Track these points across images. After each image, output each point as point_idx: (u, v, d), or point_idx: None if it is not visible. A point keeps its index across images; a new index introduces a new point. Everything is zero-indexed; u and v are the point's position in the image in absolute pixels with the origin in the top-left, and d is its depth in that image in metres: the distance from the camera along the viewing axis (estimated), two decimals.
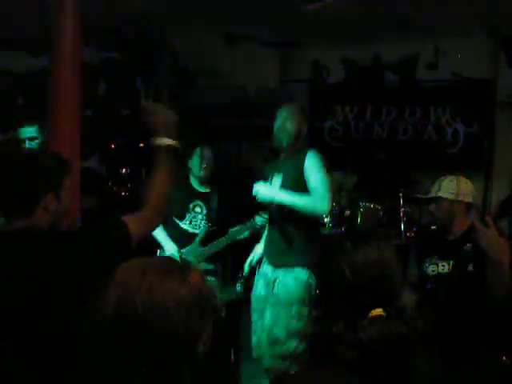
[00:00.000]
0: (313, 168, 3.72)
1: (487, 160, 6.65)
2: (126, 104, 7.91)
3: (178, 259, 4.31)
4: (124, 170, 7.24)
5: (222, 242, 4.48)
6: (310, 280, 3.71)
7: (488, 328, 3.05)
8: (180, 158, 4.81)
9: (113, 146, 7.40)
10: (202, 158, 4.61)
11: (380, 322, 1.54)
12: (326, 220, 5.81)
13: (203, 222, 4.58)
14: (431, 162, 6.81)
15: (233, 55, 7.34)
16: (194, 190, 4.68)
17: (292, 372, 3.53)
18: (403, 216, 5.64)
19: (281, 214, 3.81)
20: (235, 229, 4.46)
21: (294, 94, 7.83)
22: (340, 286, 1.67)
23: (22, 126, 4.48)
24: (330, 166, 7.40)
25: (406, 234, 5.54)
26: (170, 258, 1.51)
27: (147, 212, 2.18)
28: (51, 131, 2.32)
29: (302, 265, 3.73)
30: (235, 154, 8.14)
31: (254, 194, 3.76)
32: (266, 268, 3.93)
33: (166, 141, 2.26)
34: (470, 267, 3.30)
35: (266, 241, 4.10)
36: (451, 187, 3.51)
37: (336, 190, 6.80)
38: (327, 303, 1.77)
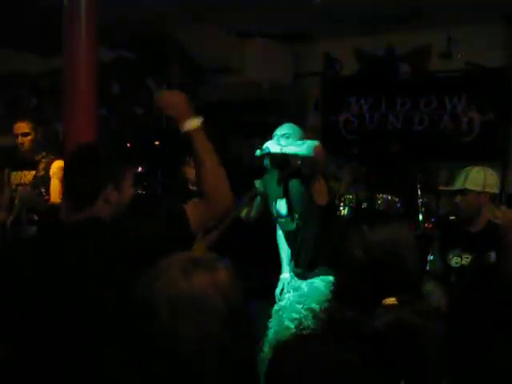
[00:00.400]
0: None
1: (503, 148, 6.60)
2: (139, 103, 7.94)
3: None
4: (140, 169, 7.27)
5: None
6: None
7: (504, 319, 3.05)
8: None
9: (128, 145, 7.42)
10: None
11: (394, 311, 1.49)
12: (343, 212, 5.80)
13: None
14: (447, 151, 6.77)
15: (245, 51, 7.33)
16: (188, 190, 4.78)
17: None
18: (421, 206, 5.62)
19: (299, 224, 3.66)
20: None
21: (308, 88, 7.82)
22: (353, 269, 1.63)
23: (15, 122, 4.57)
24: (346, 158, 7.47)
25: (424, 225, 5.52)
26: (195, 256, 1.48)
27: (206, 202, 2.11)
28: (66, 131, 2.33)
29: (329, 274, 3.59)
30: (248, 150, 8.14)
31: (263, 150, 3.59)
32: (295, 281, 3.79)
33: (191, 122, 2.17)
34: (493, 257, 3.30)
35: (290, 254, 3.92)
36: (478, 178, 3.46)
37: (353, 183, 6.79)
38: (341, 286, 1.72)
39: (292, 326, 3.57)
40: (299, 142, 3.51)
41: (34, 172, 4.58)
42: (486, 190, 3.44)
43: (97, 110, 2.39)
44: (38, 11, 5.23)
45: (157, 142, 7.44)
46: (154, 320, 1.22)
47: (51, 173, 4.55)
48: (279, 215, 3.73)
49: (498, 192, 3.54)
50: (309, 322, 3.47)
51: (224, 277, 1.32)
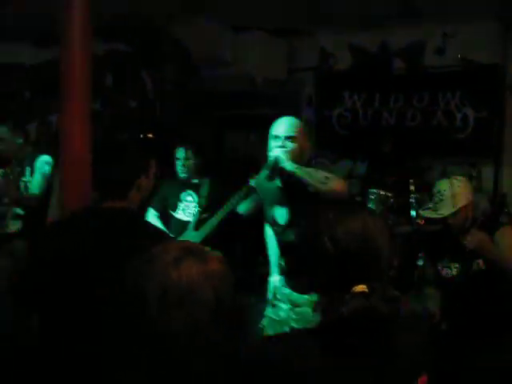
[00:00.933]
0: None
1: (497, 145, 6.62)
2: (133, 95, 7.92)
3: None
4: None
5: (218, 215, 4.52)
6: None
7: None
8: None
9: (150, 136, 7.39)
10: (178, 159, 4.75)
11: (361, 298, 1.47)
12: None
13: (196, 209, 4.69)
14: (441, 147, 6.79)
15: (239, 44, 7.31)
16: (183, 181, 4.80)
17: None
18: (414, 203, 5.62)
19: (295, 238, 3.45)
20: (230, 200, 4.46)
21: (302, 83, 7.81)
22: (321, 259, 1.59)
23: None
24: (339, 153, 7.47)
25: (417, 221, 5.52)
26: (190, 244, 1.48)
27: None
28: (62, 124, 2.32)
29: None
30: (242, 143, 8.14)
31: (272, 159, 3.34)
32: (290, 292, 3.60)
33: None
34: (481, 264, 3.35)
35: (285, 264, 3.72)
36: (463, 193, 3.49)
37: (346, 178, 6.80)
38: (311, 277, 1.71)
39: None
40: (321, 177, 3.23)
41: (18, 168, 4.58)
42: (471, 199, 3.50)
43: (91, 102, 2.38)
44: (32, 2, 5.20)
45: (150, 135, 7.42)
46: (143, 307, 1.22)
47: (36, 167, 4.54)
48: (276, 223, 3.57)
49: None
50: None
51: (215, 267, 1.32)
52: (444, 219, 3.55)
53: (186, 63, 7.74)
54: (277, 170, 3.33)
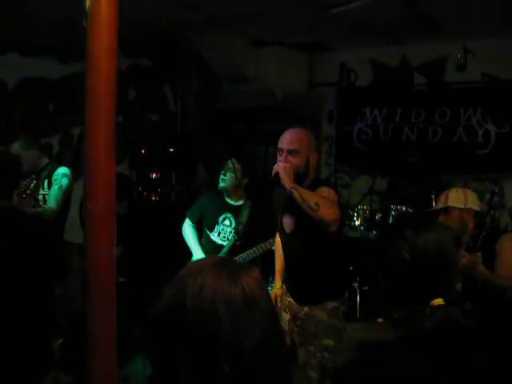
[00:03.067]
0: (323, 192, 3.26)
1: None
2: (154, 110, 7.98)
3: None
4: (154, 175, 7.30)
5: (249, 254, 4.59)
6: (340, 312, 3.44)
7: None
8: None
9: (143, 152, 7.46)
10: (224, 169, 4.70)
11: (443, 311, 1.54)
12: (357, 223, 5.79)
13: (232, 234, 4.68)
14: (462, 163, 6.74)
15: (261, 59, 7.35)
16: (225, 202, 4.76)
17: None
18: (435, 219, 5.59)
19: (304, 247, 3.40)
20: (263, 244, 4.55)
21: (322, 97, 7.83)
22: (400, 272, 1.67)
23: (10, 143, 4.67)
24: (360, 169, 7.46)
25: None
26: (226, 259, 1.50)
27: None
28: (87, 138, 2.34)
29: (332, 298, 3.41)
30: (262, 159, 8.16)
31: (273, 175, 3.24)
32: (290, 302, 3.56)
33: None
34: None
35: (286, 273, 3.70)
36: (459, 196, 3.56)
37: (367, 194, 6.78)
38: (387, 290, 1.75)
39: (314, 374, 3.33)
40: (312, 203, 3.08)
41: (35, 181, 4.63)
42: (469, 206, 3.54)
43: (115, 116, 2.40)
44: (57, 16, 5.27)
45: (171, 149, 7.47)
46: (218, 327, 1.23)
47: (53, 179, 4.58)
48: (283, 232, 3.54)
49: (479, 210, 3.65)
50: (327, 361, 3.31)
51: (258, 276, 1.34)
52: (437, 216, 3.62)
53: (207, 78, 7.80)
54: (278, 184, 3.26)
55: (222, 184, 4.67)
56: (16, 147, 4.61)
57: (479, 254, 3.34)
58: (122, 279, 5.96)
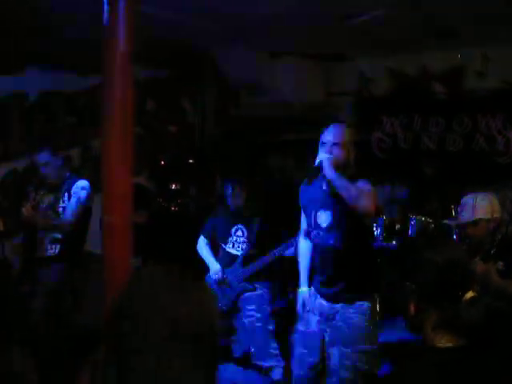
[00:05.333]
0: (362, 185, 3.34)
1: None
2: (174, 121, 8.03)
3: (222, 278, 4.80)
4: (173, 186, 7.34)
5: (263, 260, 4.71)
6: (375, 313, 3.40)
7: None
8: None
9: (162, 163, 7.51)
10: (229, 194, 4.92)
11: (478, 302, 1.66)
12: (376, 232, 5.76)
13: (245, 244, 4.85)
14: (482, 172, 6.68)
15: (277, 69, 7.37)
16: (236, 214, 4.94)
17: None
18: (455, 229, 5.55)
19: (341, 241, 3.39)
20: (278, 248, 4.64)
21: (340, 107, 7.82)
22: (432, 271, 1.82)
23: (38, 151, 4.68)
24: (379, 178, 7.42)
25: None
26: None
27: None
28: (104, 149, 2.37)
29: (364, 297, 3.38)
30: (281, 169, 8.16)
31: (317, 164, 3.32)
32: (321, 303, 3.52)
33: None
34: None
35: (319, 271, 3.64)
36: (485, 206, 3.54)
37: (386, 203, 6.74)
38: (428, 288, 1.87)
39: (347, 374, 3.31)
40: (354, 192, 3.20)
41: (56, 193, 4.66)
42: (495, 215, 3.52)
43: (134, 127, 2.43)
44: (76, 30, 5.33)
45: (190, 160, 7.51)
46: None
47: (72, 192, 4.61)
48: (318, 227, 3.49)
49: (500, 216, 3.64)
50: (364, 365, 3.29)
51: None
52: (464, 229, 3.67)
53: (226, 89, 7.83)
54: (321, 174, 3.34)
55: (232, 207, 4.93)
56: (43, 155, 4.63)
57: (494, 262, 3.33)
58: None
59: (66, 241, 4.58)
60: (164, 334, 1.25)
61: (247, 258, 4.79)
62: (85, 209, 4.62)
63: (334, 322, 3.43)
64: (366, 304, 3.37)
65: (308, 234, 3.68)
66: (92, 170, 6.52)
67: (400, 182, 6.95)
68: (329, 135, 3.46)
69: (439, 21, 5.70)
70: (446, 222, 4.08)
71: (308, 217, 3.60)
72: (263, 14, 5.56)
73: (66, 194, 4.64)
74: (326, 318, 3.47)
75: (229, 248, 4.88)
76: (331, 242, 3.43)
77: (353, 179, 3.37)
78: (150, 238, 6.53)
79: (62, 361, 4.47)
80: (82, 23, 4.80)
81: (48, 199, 4.68)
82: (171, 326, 1.26)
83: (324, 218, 3.47)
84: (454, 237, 5.45)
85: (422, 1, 5.15)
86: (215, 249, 4.98)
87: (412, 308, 4.69)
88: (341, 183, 3.22)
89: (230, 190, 4.90)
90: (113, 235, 2.40)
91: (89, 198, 4.62)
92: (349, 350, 3.32)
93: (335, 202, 3.31)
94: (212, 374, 1.33)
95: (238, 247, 4.86)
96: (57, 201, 4.64)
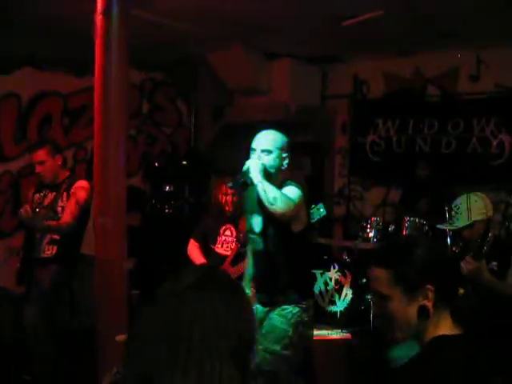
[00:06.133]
0: (287, 190, 3.35)
1: None
2: (168, 123, 8.03)
3: None
4: (167, 188, 7.33)
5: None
6: (299, 319, 3.43)
7: None
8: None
9: (156, 164, 7.50)
10: (222, 193, 4.89)
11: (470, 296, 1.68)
12: (370, 234, 5.77)
13: (234, 244, 4.87)
14: (476, 175, 6.69)
15: (273, 72, 7.38)
16: (223, 214, 4.94)
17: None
18: (449, 231, 5.55)
19: (269, 246, 3.47)
20: None
21: (335, 110, 7.83)
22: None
23: (33, 150, 4.65)
24: (373, 180, 7.44)
25: (452, 249, 5.45)
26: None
27: None
28: (97, 150, 2.37)
29: (292, 302, 3.43)
30: None
31: (245, 168, 3.34)
32: (256, 307, 3.55)
33: None
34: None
35: (253, 274, 3.71)
36: (480, 207, 3.55)
37: (380, 205, 6.75)
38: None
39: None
40: (271, 197, 3.21)
41: (55, 193, 4.63)
42: (488, 215, 3.55)
43: (126, 129, 2.42)
44: (71, 32, 5.33)
45: (184, 162, 7.50)
46: None
47: (71, 192, 4.58)
48: (252, 231, 3.58)
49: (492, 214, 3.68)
50: (266, 363, 3.33)
51: None
52: (460, 232, 3.68)
53: (221, 91, 7.83)
54: (249, 178, 3.33)
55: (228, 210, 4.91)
56: (43, 152, 4.58)
57: (486, 260, 3.35)
58: (135, 292, 5.98)
59: (63, 242, 4.56)
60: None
61: (237, 258, 4.79)
62: (83, 210, 4.59)
63: (263, 326, 3.49)
64: (290, 308, 3.42)
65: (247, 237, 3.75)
66: (85, 171, 6.52)
67: (394, 185, 6.97)
68: (258, 142, 3.48)
69: (434, 24, 5.71)
70: (440, 227, 4.04)
71: (247, 221, 3.67)
72: (259, 16, 5.56)
73: (65, 194, 4.62)
74: (260, 322, 3.51)
75: (218, 249, 4.90)
76: (261, 246, 3.51)
77: (283, 183, 3.41)
78: (144, 240, 6.53)
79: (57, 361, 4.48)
80: (78, 23, 4.79)
81: (47, 199, 4.66)
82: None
83: (256, 223, 3.53)
84: (448, 239, 5.46)
85: (416, 3, 5.17)
86: (206, 250, 4.95)
87: None
88: (261, 187, 3.24)
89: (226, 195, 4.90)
90: (106, 237, 2.40)
91: (88, 199, 4.58)
92: (260, 348, 3.36)
93: (264, 207, 3.32)
94: None
95: (227, 247, 4.88)
96: (56, 201, 4.61)
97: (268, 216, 3.36)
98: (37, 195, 4.72)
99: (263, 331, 3.43)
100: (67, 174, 4.79)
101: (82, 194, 4.54)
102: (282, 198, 3.22)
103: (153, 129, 7.81)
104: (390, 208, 6.61)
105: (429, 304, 1.68)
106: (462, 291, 1.49)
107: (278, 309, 3.44)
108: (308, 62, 7.49)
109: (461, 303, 1.67)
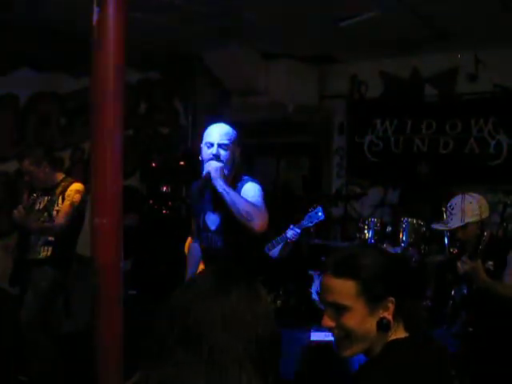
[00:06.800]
0: (250, 191, 3.31)
1: None
2: (165, 123, 8.01)
3: None
4: (165, 189, 7.31)
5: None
6: None
7: None
8: None
9: (153, 165, 7.48)
10: None
11: None
12: (368, 235, 5.76)
13: None
14: (474, 175, 6.70)
15: (271, 72, 7.37)
16: None
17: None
18: (446, 232, 5.54)
19: (227, 243, 3.40)
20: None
21: (333, 110, 7.83)
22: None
23: (23, 159, 4.64)
24: (371, 181, 7.44)
25: (449, 250, 5.44)
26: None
27: None
28: (93, 150, 2.35)
29: None
30: (273, 171, 8.15)
31: (206, 174, 3.25)
32: None
33: None
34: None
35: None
36: (474, 209, 3.53)
37: (378, 206, 6.75)
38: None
39: None
40: (243, 210, 3.15)
41: (49, 196, 4.62)
42: (483, 217, 3.52)
43: (124, 130, 2.41)
44: (68, 32, 5.32)
45: (181, 162, 7.48)
46: None
47: (66, 195, 4.57)
48: (206, 229, 3.48)
49: (488, 215, 3.64)
50: None
51: None
52: (455, 233, 3.65)
53: (218, 91, 7.82)
54: (209, 183, 3.26)
55: None
56: (26, 163, 4.60)
57: (482, 260, 3.35)
58: (132, 292, 5.96)
59: (58, 243, 4.55)
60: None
61: None
62: (78, 211, 4.59)
63: None
64: None
65: (198, 236, 3.64)
66: (82, 172, 6.50)
67: (392, 185, 6.96)
68: (214, 136, 3.34)
69: (432, 24, 5.71)
70: (435, 226, 4.04)
71: (196, 218, 3.58)
72: (257, 15, 5.56)
73: (61, 197, 4.61)
74: None
75: None
76: (219, 244, 3.43)
77: (239, 178, 3.38)
78: (141, 241, 6.51)
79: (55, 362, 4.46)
80: (77, 23, 4.78)
81: (42, 201, 4.65)
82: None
83: (213, 221, 3.45)
84: (445, 239, 5.46)
85: (415, 3, 5.17)
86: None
87: None
88: (229, 199, 3.15)
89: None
90: (102, 238, 2.38)
91: (83, 201, 4.58)
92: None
93: (226, 206, 3.22)
94: None
95: None
96: (51, 203, 4.60)
97: (228, 213, 3.22)
98: (31, 196, 4.71)
99: None
100: (61, 176, 4.77)
101: (76, 197, 4.54)
102: (255, 211, 3.14)
103: (150, 129, 7.79)
104: (388, 208, 6.61)
105: (389, 316, 1.65)
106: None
107: None
108: (305, 62, 7.49)
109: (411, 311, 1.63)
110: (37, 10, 5.19)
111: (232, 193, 3.18)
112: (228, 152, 3.29)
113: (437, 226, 3.85)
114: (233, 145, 3.33)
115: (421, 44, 6.47)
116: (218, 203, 3.30)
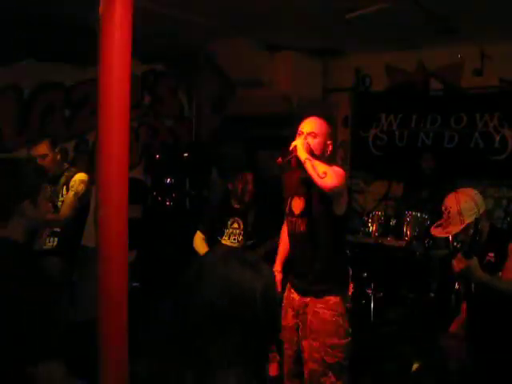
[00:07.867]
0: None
1: None
2: (170, 115, 8.01)
3: None
4: (168, 180, 7.32)
5: (261, 249, 4.69)
6: (344, 307, 3.43)
7: None
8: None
9: (157, 157, 7.48)
10: (243, 184, 4.90)
11: None
12: (371, 229, 5.75)
13: (241, 236, 4.88)
14: (478, 169, 6.68)
15: (275, 65, 7.35)
16: (231, 207, 4.94)
17: None
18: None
19: (311, 228, 3.45)
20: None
21: (337, 103, 7.81)
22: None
23: (34, 144, 4.61)
24: (375, 174, 7.43)
25: (453, 244, 5.44)
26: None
27: None
28: (99, 142, 2.34)
29: (334, 292, 3.42)
30: (276, 164, 8.13)
31: (292, 146, 3.40)
32: (293, 297, 3.58)
33: None
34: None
35: (292, 260, 3.71)
36: (471, 208, 3.48)
37: (382, 200, 6.74)
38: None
39: (315, 366, 3.39)
40: (321, 172, 3.23)
41: (55, 186, 4.61)
42: (481, 212, 3.49)
43: (129, 121, 2.40)
44: (73, 23, 5.30)
45: (185, 154, 7.49)
46: None
47: (70, 185, 4.57)
48: (291, 213, 3.57)
49: (485, 208, 3.60)
50: (331, 356, 3.34)
51: None
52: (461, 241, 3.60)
53: (222, 83, 7.81)
54: (294, 157, 3.37)
55: (243, 198, 4.92)
56: (44, 146, 4.56)
57: (475, 258, 3.32)
58: (135, 284, 5.97)
59: (64, 234, 4.56)
60: None
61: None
62: (83, 202, 4.59)
63: (304, 315, 3.47)
64: (333, 300, 3.41)
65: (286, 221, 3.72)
66: (86, 163, 6.50)
67: (396, 179, 6.95)
68: (305, 125, 3.57)
69: (438, 17, 5.67)
70: (435, 233, 3.95)
71: (285, 203, 3.66)
72: (262, 7, 5.53)
73: (65, 188, 4.61)
74: (297, 314, 3.52)
75: (225, 240, 4.88)
76: (302, 229, 3.50)
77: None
78: (145, 233, 6.51)
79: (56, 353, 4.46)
80: (80, 14, 4.77)
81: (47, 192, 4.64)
82: None
83: (298, 205, 3.54)
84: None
85: None
86: (213, 242, 4.88)
87: None
88: (309, 164, 3.28)
89: (227, 184, 4.94)
90: (108, 229, 2.38)
91: (87, 192, 4.59)
92: (317, 344, 3.37)
93: (309, 189, 3.39)
94: None
95: (235, 239, 4.88)
96: (56, 194, 4.60)
97: (312, 197, 3.40)
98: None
99: (313, 328, 3.40)
100: (66, 166, 4.78)
101: (80, 187, 4.54)
102: (330, 171, 3.24)
103: (154, 121, 7.79)
104: (391, 202, 6.60)
105: None
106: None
107: (322, 300, 3.42)
108: (310, 55, 7.46)
109: None
110: None
111: (314, 160, 3.31)
112: (316, 140, 3.46)
113: (437, 233, 3.76)
114: (323, 137, 3.49)
115: (426, 37, 6.44)
116: (303, 187, 3.46)
